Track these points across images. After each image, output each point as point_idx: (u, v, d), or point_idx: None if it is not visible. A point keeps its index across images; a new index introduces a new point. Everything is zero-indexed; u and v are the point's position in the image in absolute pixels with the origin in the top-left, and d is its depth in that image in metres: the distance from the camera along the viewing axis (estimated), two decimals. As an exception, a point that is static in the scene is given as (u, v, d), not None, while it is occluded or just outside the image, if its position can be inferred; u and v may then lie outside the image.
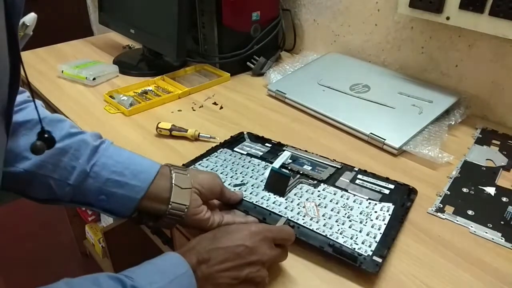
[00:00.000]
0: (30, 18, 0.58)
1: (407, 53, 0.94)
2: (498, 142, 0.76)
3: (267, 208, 0.58)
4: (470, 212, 0.59)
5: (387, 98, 0.83)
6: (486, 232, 0.55)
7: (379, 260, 0.49)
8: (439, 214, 0.59)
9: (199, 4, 0.99)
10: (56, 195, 0.50)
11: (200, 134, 0.76)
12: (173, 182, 0.50)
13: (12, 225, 1.68)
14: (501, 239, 0.54)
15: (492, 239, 0.55)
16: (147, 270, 0.41)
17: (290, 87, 0.92)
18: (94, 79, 0.98)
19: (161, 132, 0.77)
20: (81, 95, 0.94)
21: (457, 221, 0.58)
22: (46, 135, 0.40)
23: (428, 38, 0.88)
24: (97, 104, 0.90)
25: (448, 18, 0.75)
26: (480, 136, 0.78)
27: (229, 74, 1.02)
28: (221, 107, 0.89)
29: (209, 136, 0.76)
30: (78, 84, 0.99)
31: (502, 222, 0.57)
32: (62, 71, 1.00)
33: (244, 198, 0.59)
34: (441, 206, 0.60)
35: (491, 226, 0.56)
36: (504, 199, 0.61)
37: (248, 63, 1.05)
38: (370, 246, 0.51)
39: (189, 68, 1.06)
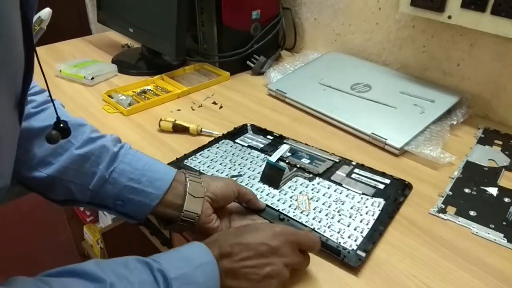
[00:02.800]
0: (45, 13, 0.58)
1: (408, 52, 0.93)
2: (501, 142, 0.75)
3: (260, 200, 0.59)
4: (472, 213, 0.58)
5: (388, 97, 0.83)
6: (488, 233, 0.55)
7: (363, 254, 0.50)
8: (441, 214, 0.58)
9: (199, 3, 0.98)
10: (75, 198, 0.51)
11: (203, 130, 0.77)
12: (187, 190, 0.51)
13: (11, 225, 1.68)
14: (503, 240, 0.54)
15: (494, 240, 0.54)
16: (172, 256, 0.42)
17: (291, 87, 0.91)
18: (92, 78, 0.97)
19: (164, 125, 0.77)
20: (80, 95, 0.94)
21: (459, 221, 0.57)
22: (61, 125, 0.41)
23: (429, 37, 0.88)
24: (95, 104, 0.89)
25: (449, 17, 0.75)
26: (483, 136, 0.77)
27: (229, 73, 1.02)
28: (221, 107, 0.88)
29: (211, 131, 0.76)
30: (76, 83, 0.98)
31: (504, 223, 0.56)
32: (60, 70, 0.99)
33: None
34: (443, 206, 0.60)
35: (493, 227, 0.56)
36: (506, 199, 0.61)
37: (248, 62, 1.04)
38: (356, 241, 0.52)
39: (188, 67, 1.05)
